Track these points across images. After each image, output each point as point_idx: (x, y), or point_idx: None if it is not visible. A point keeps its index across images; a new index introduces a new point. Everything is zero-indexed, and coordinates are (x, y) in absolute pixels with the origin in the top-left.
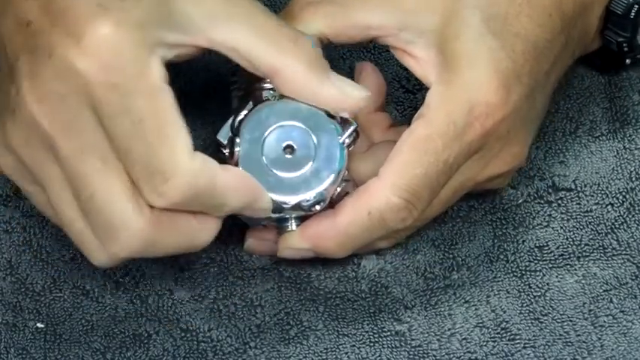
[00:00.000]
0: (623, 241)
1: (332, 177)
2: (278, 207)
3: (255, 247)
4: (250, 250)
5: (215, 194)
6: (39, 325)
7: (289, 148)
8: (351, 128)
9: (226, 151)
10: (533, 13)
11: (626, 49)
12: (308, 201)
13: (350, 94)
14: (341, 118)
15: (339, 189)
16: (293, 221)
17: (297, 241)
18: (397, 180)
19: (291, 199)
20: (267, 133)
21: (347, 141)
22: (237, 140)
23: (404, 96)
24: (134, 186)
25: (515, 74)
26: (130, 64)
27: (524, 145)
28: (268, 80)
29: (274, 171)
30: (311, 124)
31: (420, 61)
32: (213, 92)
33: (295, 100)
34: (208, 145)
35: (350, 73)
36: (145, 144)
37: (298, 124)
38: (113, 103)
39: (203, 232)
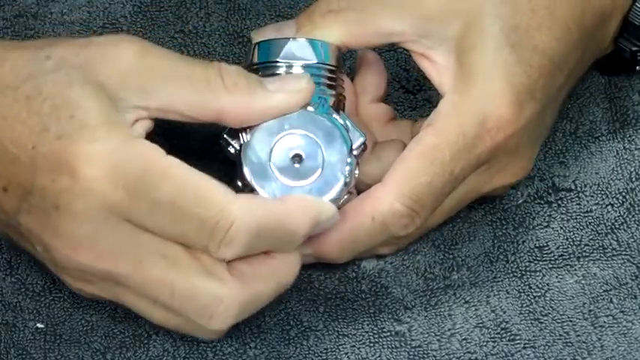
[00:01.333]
0: (623, 242)
1: (338, 189)
2: None
3: None
4: None
5: (280, 225)
6: (39, 325)
7: (297, 157)
8: (360, 140)
9: (232, 149)
10: (553, 25)
11: (639, 57)
12: None
13: (293, 91)
14: (348, 128)
15: (343, 199)
16: None
17: (303, 248)
18: (402, 187)
19: None
20: (276, 139)
21: (355, 152)
22: (245, 139)
23: (404, 96)
24: (207, 263)
25: (529, 89)
26: (131, 163)
27: (531, 159)
28: None
29: (280, 179)
30: (321, 134)
31: (439, 67)
32: None
33: (306, 109)
34: (209, 145)
35: (350, 74)
36: (191, 218)
37: (308, 134)
38: (142, 206)
39: (286, 266)
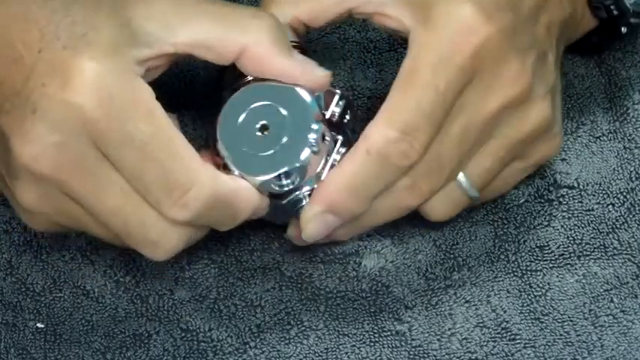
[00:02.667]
0: (624, 241)
1: (306, 149)
2: (272, 188)
3: (294, 234)
4: (291, 238)
5: (233, 203)
6: (39, 325)
7: (264, 128)
8: (336, 97)
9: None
10: None
11: (615, 12)
12: (289, 175)
13: (312, 70)
14: (326, 92)
15: (330, 161)
16: (305, 201)
17: (312, 208)
18: (391, 116)
19: (268, 176)
20: (240, 117)
21: (335, 110)
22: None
23: None
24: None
25: (494, 2)
26: (119, 91)
27: (522, 63)
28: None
29: (253, 151)
30: (283, 100)
31: (396, 16)
32: (213, 92)
33: (268, 81)
34: (208, 146)
35: (350, 73)
36: (156, 165)
37: (269, 103)
38: (115, 134)
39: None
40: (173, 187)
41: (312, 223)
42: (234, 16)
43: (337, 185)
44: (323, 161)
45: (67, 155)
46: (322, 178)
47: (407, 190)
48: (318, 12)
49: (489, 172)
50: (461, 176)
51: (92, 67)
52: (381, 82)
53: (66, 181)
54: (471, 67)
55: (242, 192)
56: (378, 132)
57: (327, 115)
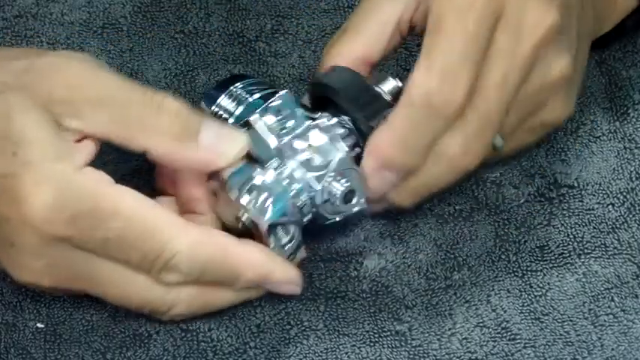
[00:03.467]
0: (624, 241)
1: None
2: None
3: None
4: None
5: (227, 265)
6: (39, 325)
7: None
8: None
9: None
10: None
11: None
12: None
13: (222, 151)
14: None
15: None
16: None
17: (368, 164)
18: (427, 64)
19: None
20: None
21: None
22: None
23: None
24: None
25: None
26: (75, 201)
27: (548, 2)
28: None
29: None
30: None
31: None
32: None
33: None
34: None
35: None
36: (137, 249)
37: None
38: (89, 240)
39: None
40: (156, 261)
41: (371, 179)
42: (139, 111)
43: (387, 140)
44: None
45: (61, 270)
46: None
47: (460, 148)
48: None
49: (513, 122)
50: None
51: (42, 190)
52: None
53: (70, 288)
54: (494, 4)
55: (239, 249)
56: (419, 82)
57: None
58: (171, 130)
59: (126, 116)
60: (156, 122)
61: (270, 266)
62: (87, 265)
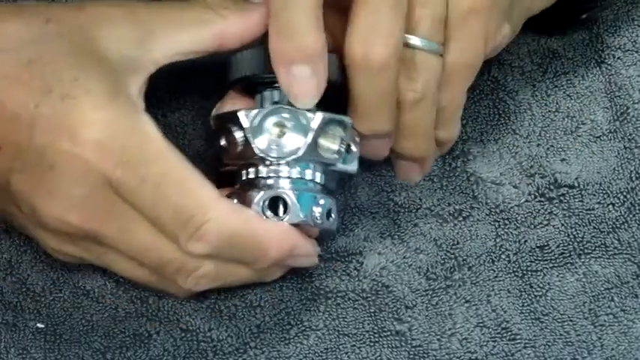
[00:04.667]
0: (624, 241)
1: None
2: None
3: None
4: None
5: (254, 242)
6: (39, 325)
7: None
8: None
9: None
10: None
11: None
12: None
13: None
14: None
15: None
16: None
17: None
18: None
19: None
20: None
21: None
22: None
23: None
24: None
25: None
26: (128, 138)
27: None
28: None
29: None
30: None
31: None
32: (213, 93)
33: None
34: (209, 146)
35: None
36: (171, 203)
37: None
38: (128, 179)
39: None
40: (187, 223)
41: (364, 147)
42: (194, 14)
43: (357, 114)
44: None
45: (93, 205)
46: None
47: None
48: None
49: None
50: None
51: (99, 118)
52: None
53: (95, 230)
54: None
55: (266, 226)
56: (351, 51)
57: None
58: (230, 9)
59: (189, 24)
60: (214, 13)
61: (295, 242)
62: (119, 210)
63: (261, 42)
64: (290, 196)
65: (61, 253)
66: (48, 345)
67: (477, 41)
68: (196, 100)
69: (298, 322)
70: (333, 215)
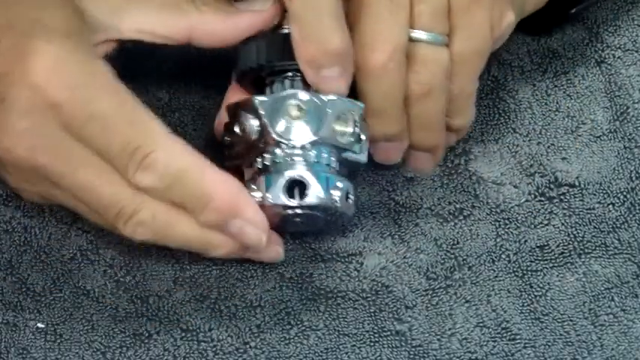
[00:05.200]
0: (624, 241)
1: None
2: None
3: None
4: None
5: (199, 184)
6: (39, 324)
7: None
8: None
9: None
10: None
11: None
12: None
13: (260, 10)
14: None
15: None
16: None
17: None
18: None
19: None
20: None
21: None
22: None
23: None
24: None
25: None
26: (80, 71)
27: None
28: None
29: None
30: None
31: None
32: (213, 93)
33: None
34: (209, 145)
35: None
36: (119, 133)
37: None
38: (78, 113)
39: (202, 233)
40: (135, 152)
41: (376, 152)
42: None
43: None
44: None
45: (39, 139)
46: None
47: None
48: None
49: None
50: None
51: (51, 49)
52: None
53: (41, 164)
54: None
55: (215, 175)
56: (362, 59)
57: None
58: (209, 6)
59: (165, 6)
60: (193, 4)
61: (242, 201)
62: (66, 144)
63: (265, 33)
64: (310, 177)
65: (21, 190)
66: (48, 345)
67: (483, 28)
68: (196, 100)
69: (298, 322)
70: (350, 197)
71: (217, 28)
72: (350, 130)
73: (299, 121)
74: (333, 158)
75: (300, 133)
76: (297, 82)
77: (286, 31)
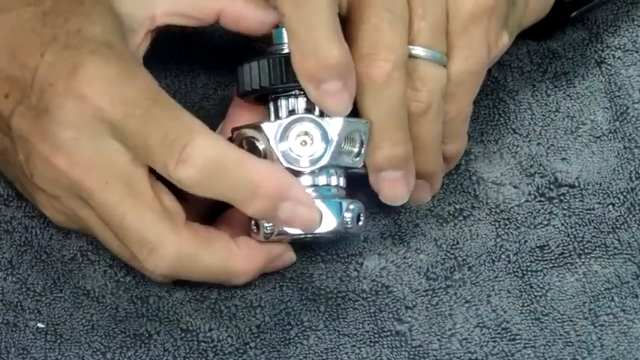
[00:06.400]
0: (624, 241)
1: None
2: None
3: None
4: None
5: (243, 172)
6: (39, 325)
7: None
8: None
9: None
10: None
11: None
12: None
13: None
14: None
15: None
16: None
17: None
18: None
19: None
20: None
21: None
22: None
23: None
24: (167, 206)
25: None
26: (119, 77)
27: None
28: None
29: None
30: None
31: None
32: (213, 93)
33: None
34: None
35: None
36: (158, 126)
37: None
38: (119, 112)
39: (242, 258)
40: (173, 143)
41: (382, 189)
42: None
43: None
44: None
45: (79, 150)
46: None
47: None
48: None
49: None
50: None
51: (96, 60)
52: None
53: (78, 178)
54: None
55: (256, 161)
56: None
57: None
58: None
59: None
60: None
61: (289, 182)
62: (102, 157)
63: (265, 53)
64: (321, 206)
65: (49, 207)
66: (48, 345)
67: (481, 48)
68: (196, 101)
69: (298, 322)
70: (362, 219)
71: (246, 15)
72: (356, 150)
73: (307, 147)
74: (341, 178)
75: (308, 159)
76: (300, 100)
77: (286, 50)
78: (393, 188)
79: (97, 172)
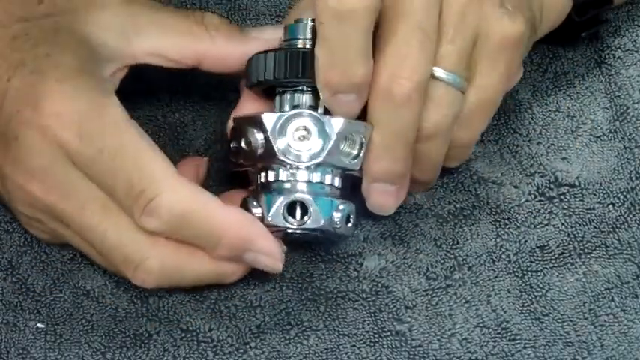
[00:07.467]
0: (624, 241)
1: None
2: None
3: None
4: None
5: (208, 223)
6: (39, 325)
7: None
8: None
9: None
10: None
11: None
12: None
13: (270, 39)
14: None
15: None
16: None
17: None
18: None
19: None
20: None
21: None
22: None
23: None
24: None
25: None
26: (87, 110)
27: None
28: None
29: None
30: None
31: None
32: (213, 93)
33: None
34: (209, 145)
35: None
36: (124, 176)
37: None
38: (86, 151)
39: (220, 265)
40: (139, 196)
41: (371, 197)
42: (186, 24)
43: (372, 149)
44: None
45: (52, 178)
46: None
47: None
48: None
49: None
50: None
51: (60, 89)
52: None
53: (53, 203)
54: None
55: (224, 211)
56: (376, 80)
57: None
58: (220, 32)
59: (177, 31)
60: (205, 29)
61: (254, 233)
62: (75, 183)
63: (280, 46)
64: (311, 202)
65: (32, 227)
66: (48, 345)
67: (502, 78)
68: (196, 101)
69: (298, 322)
70: (351, 220)
71: (227, 55)
72: (355, 152)
73: (304, 142)
74: (337, 178)
75: (305, 155)
76: (306, 95)
77: (300, 45)
78: (383, 200)
79: (72, 198)
